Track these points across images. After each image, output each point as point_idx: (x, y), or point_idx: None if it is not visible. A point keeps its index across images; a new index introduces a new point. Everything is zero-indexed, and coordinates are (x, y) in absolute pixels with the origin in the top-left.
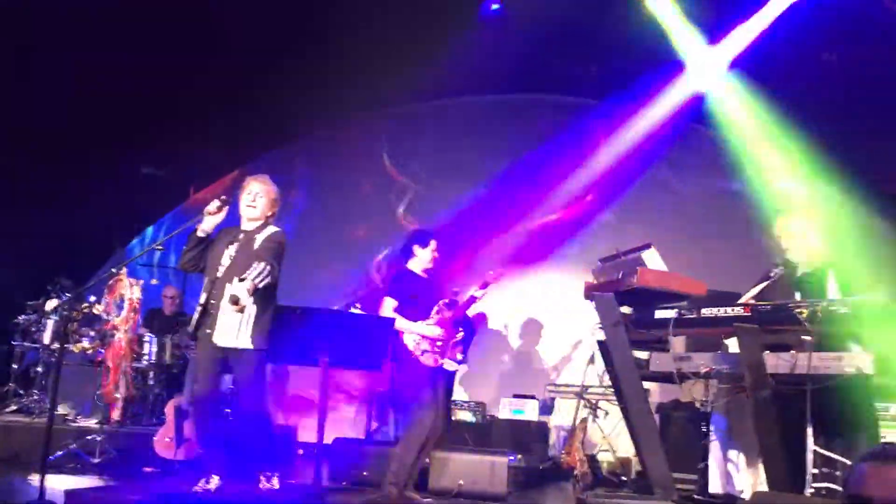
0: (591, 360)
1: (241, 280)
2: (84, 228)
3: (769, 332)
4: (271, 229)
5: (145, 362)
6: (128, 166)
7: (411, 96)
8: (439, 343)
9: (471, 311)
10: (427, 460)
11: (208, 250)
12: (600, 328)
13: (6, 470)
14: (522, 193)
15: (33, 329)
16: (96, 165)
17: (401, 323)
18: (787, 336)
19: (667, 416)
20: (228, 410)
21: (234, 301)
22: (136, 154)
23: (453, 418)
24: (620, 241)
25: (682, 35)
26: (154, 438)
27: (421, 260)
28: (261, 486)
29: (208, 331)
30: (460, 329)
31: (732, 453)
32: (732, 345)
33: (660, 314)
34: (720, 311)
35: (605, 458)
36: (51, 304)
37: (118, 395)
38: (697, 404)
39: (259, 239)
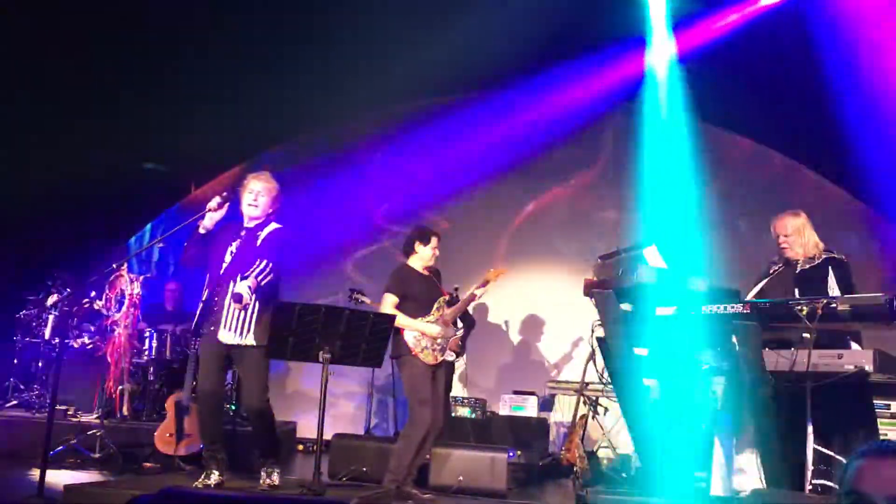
0: (592, 357)
1: (244, 277)
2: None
3: (769, 330)
4: (273, 226)
5: (145, 358)
6: (129, 161)
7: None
8: (439, 340)
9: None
10: (427, 456)
11: (210, 247)
12: (600, 325)
13: (6, 465)
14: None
15: (34, 324)
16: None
17: (401, 320)
18: (788, 333)
19: None
20: (229, 406)
21: (238, 299)
22: (137, 149)
23: (454, 414)
24: (621, 238)
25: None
26: (154, 434)
27: (422, 257)
28: (262, 481)
29: (212, 328)
30: (460, 325)
31: (735, 451)
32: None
33: (660, 311)
34: (720, 309)
35: (604, 454)
36: (51, 300)
37: (121, 390)
38: None
39: (261, 236)
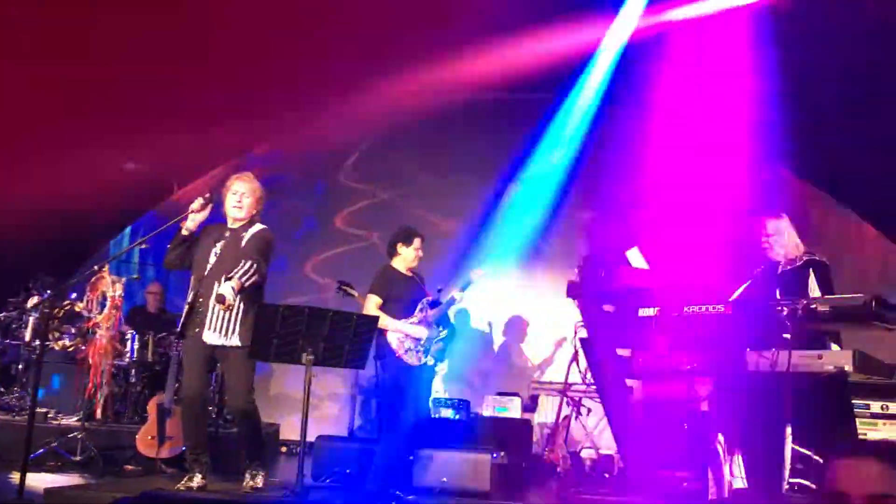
0: (575, 358)
1: (228, 279)
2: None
3: (750, 330)
4: (258, 227)
5: (127, 360)
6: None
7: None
8: (423, 342)
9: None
10: (410, 457)
11: (194, 248)
12: (583, 326)
13: None
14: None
15: (14, 326)
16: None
17: (384, 321)
18: (768, 334)
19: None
20: (212, 408)
21: (221, 300)
22: (118, 150)
23: (437, 416)
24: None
25: None
26: (136, 436)
27: (405, 258)
28: (245, 483)
29: (196, 329)
30: (442, 328)
31: (720, 451)
32: None
33: (643, 312)
34: (702, 309)
35: (588, 454)
36: (32, 302)
37: (100, 393)
38: None
39: (246, 237)
